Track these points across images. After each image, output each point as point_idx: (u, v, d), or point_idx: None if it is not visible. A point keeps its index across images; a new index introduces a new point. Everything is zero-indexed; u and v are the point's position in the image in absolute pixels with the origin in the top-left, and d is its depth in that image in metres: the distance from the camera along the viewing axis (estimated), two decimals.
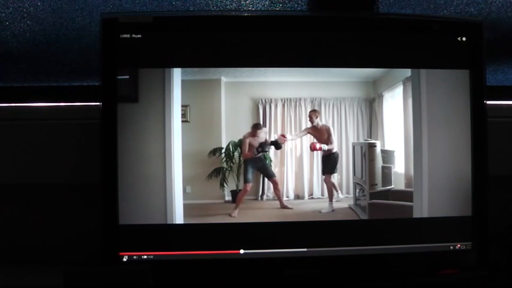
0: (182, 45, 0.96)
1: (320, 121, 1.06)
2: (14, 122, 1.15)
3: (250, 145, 1.05)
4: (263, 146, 1.04)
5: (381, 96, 1.04)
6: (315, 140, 1.06)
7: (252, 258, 0.96)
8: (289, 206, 1.06)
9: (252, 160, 1.06)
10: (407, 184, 1.01)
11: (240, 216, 1.00)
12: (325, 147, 1.06)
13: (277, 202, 1.06)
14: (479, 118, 0.98)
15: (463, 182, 0.98)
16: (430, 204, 0.98)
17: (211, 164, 1.01)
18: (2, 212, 1.16)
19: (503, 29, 1.28)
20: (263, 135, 1.05)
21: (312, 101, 1.05)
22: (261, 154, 1.06)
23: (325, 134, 1.07)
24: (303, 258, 0.96)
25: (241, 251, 0.96)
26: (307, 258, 0.96)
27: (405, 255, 0.98)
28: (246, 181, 1.04)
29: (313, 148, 1.06)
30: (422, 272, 0.99)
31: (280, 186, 1.07)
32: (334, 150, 1.05)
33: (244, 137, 1.03)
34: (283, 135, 1.06)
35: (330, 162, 1.08)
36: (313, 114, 1.05)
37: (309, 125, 1.06)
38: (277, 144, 1.05)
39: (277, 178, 1.06)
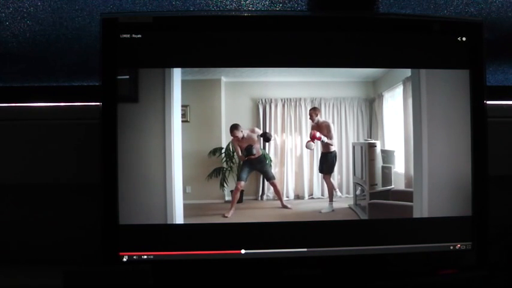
0: (182, 45, 0.96)
1: (320, 118, 1.06)
2: (14, 122, 1.15)
3: (242, 148, 1.05)
4: (248, 150, 1.05)
5: (381, 96, 1.04)
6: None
7: (253, 258, 0.96)
8: (289, 206, 1.06)
9: (251, 161, 1.06)
10: (407, 184, 1.01)
11: (240, 216, 1.00)
12: (324, 139, 1.06)
13: (277, 202, 1.06)
14: (479, 118, 0.98)
15: (463, 182, 0.98)
16: (430, 204, 0.98)
17: (211, 164, 1.01)
18: (2, 212, 1.16)
19: (503, 29, 1.28)
20: (250, 134, 1.05)
21: (312, 101, 1.05)
22: (260, 155, 1.06)
23: (325, 130, 1.07)
24: (303, 258, 0.96)
25: (243, 251, 0.96)
26: (307, 258, 0.96)
27: (405, 255, 0.98)
28: (238, 179, 1.04)
29: (312, 136, 1.06)
30: (422, 272, 0.99)
31: (280, 187, 1.07)
32: (333, 149, 1.06)
33: (232, 142, 1.03)
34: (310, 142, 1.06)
35: (328, 161, 1.08)
36: (313, 112, 1.06)
37: (310, 123, 1.06)
38: (266, 137, 1.05)
39: (277, 179, 1.06)
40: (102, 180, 0.93)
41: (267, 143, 1.08)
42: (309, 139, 1.05)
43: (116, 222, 0.93)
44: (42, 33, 1.20)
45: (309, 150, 1.07)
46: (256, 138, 1.06)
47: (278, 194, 1.06)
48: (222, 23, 0.98)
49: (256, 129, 1.06)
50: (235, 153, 1.06)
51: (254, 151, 1.05)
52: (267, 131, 1.11)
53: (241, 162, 1.06)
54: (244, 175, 1.06)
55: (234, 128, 1.02)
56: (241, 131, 1.03)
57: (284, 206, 1.06)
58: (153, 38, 0.95)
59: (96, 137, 0.94)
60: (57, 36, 1.21)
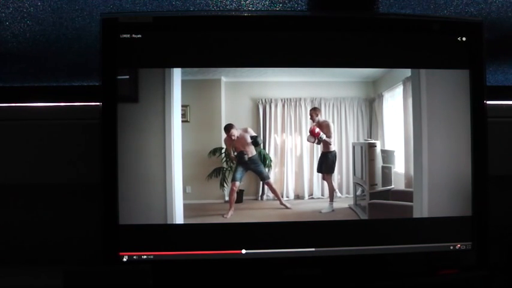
0: (182, 45, 0.96)
1: (320, 117, 1.06)
2: (14, 122, 1.15)
3: (235, 149, 1.05)
4: (240, 156, 1.05)
5: (381, 96, 1.04)
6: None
7: (254, 258, 0.96)
8: (288, 206, 1.06)
9: (245, 161, 1.06)
10: (407, 184, 1.01)
11: (240, 216, 1.00)
12: (323, 136, 1.06)
13: (277, 202, 1.06)
14: (479, 118, 0.98)
15: (463, 182, 0.98)
16: (430, 204, 0.98)
17: (211, 164, 1.01)
18: (2, 212, 1.16)
19: (503, 29, 1.28)
20: (243, 134, 1.05)
21: (312, 101, 1.05)
22: (254, 155, 1.07)
23: (325, 129, 1.07)
24: (304, 258, 0.96)
25: (243, 251, 0.96)
26: (308, 258, 0.96)
27: (405, 255, 0.98)
28: (232, 179, 1.04)
29: (311, 131, 1.05)
30: (422, 272, 0.99)
31: (280, 186, 1.06)
32: (333, 149, 1.06)
33: (225, 141, 1.03)
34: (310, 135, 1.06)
35: (328, 161, 1.08)
36: (314, 112, 1.06)
37: (310, 123, 1.06)
38: (255, 142, 1.06)
39: (277, 179, 1.06)
40: (102, 180, 0.93)
41: (266, 144, 1.08)
42: (309, 134, 1.06)
43: (116, 222, 0.93)
44: (42, 33, 1.20)
45: (309, 144, 1.06)
46: (249, 139, 1.06)
47: (275, 193, 1.06)
48: (222, 23, 0.98)
49: (249, 130, 1.06)
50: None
51: (246, 158, 1.06)
52: (266, 131, 1.11)
53: (236, 163, 1.06)
54: (238, 175, 1.06)
55: (229, 127, 1.02)
56: (236, 130, 1.03)
57: (283, 205, 1.06)
58: (153, 38, 0.95)
59: (96, 137, 0.94)
60: (57, 36, 1.21)
